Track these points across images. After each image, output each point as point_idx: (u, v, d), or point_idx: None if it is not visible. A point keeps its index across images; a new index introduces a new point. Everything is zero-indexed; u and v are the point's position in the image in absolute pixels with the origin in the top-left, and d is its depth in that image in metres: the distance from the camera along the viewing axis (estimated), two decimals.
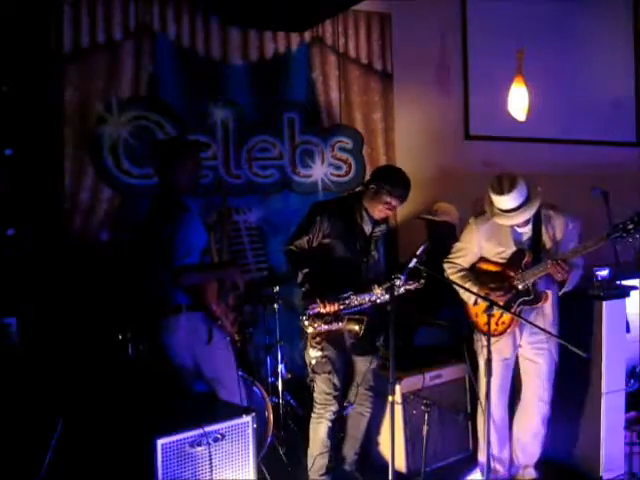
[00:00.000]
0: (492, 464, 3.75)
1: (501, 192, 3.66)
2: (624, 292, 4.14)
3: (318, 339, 3.75)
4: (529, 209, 3.69)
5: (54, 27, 4.55)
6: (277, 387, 4.58)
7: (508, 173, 3.75)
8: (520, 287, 3.76)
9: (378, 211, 3.83)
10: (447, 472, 4.20)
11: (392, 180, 3.80)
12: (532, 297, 3.78)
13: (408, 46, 5.94)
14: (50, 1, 4.54)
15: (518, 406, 4.00)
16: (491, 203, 3.78)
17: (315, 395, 3.89)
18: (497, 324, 3.79)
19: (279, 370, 4.62)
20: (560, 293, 3.84)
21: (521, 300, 3.77)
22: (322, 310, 3.68)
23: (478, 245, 3.93)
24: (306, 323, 3.71)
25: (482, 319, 3.79)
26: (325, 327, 3.69)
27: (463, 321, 4.07)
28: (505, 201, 3.67)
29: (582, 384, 4.05)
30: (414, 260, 3.40)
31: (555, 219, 3.84)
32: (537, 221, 3.81)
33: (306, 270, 3.76)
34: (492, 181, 3.73)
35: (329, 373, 3.80)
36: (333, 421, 3.89)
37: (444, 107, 6.20)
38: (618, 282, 4.19)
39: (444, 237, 4.85)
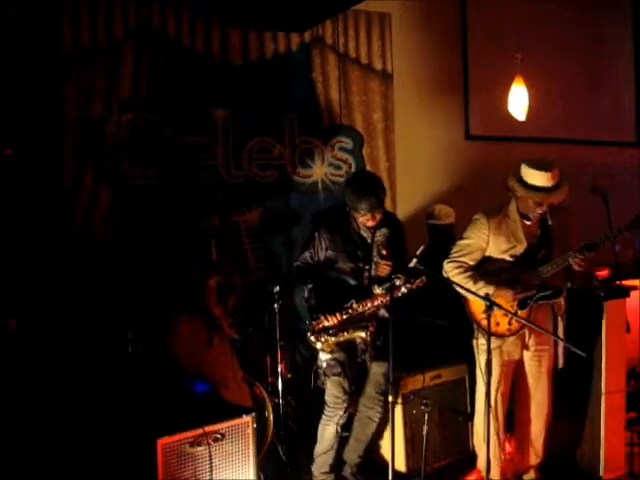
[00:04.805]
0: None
1: (544, 169, 3.64)
2: (624, 292, 4.14)
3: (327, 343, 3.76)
4: (564, 191, 3.68)
5: (54, 27, 4.55)
6: (277, 387, 4.58)
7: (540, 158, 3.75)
8: (537, 282, 3.69)
9: (361, 223, 3.78)
10: (447, 472, 4.20)
11: (352, 196, 3.70)
12: (550, 292, 3.73)
13: (408, 46, 5.95)
14: (50, 1, 4.54)
15: (531, 408, 3.94)
16: (519, 183, 3.69)
17: (326, 398, 3.90)
18: (510, 323, 3.75)
19: (279, 370, 4.62)
20: (570, 285, 3.79)
21: (539, 296, 3.71)
22: (326, 324, 3.71)
23: (486, 240, 3.81)
24: (312, 339, 3.74)
25: (492, 319, 3.68)
26: (333, 339, 3.71)
27: (464, 321, 4.06)
28: (546, 178, 3.63)
29: (582, 384, 4.05)
30: (414, 260, 3.40)
31: (557, 212, 3.79)
32: (542, 217, 3.77)
33: (310, 285, 3.79)
34: (527, 161, 3.70)
35: (339, 375, 3.80)
36: (342, 424, 3.89)
37: (444, 107, 6.20)
38: (618, 282, 4.19)
39: (445, 239, 4.85)
